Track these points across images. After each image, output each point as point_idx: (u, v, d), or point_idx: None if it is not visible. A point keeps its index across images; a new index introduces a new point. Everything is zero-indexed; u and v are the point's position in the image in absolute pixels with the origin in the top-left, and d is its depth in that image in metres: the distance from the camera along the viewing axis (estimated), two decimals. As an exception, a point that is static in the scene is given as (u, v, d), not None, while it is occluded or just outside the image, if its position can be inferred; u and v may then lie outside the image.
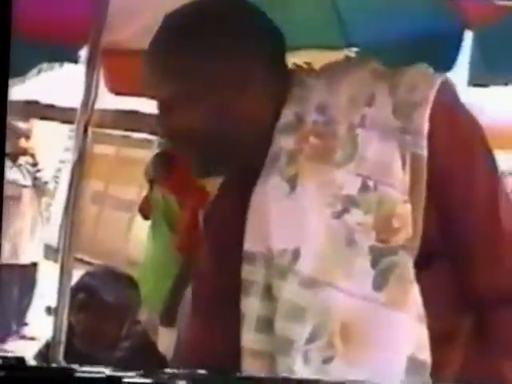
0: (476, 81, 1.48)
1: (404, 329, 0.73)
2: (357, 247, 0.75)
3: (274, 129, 0.83)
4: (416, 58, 1.62)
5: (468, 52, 1.49)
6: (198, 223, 2.35)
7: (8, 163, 4.25)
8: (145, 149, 6.63)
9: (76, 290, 1.64)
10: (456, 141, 0.79)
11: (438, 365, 0.75)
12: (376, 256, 0.74)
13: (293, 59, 2.03)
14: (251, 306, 0.81)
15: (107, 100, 2.13)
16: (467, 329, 0.81)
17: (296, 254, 0.76)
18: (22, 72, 1.85)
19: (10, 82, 1.94)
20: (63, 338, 1.45)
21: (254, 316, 0.80)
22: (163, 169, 3.05)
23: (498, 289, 0.80)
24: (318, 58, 1.95)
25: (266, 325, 0.79)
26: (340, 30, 1.71)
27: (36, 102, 7.12)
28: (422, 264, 0.76)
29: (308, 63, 2.09)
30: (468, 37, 1.50)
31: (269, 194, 0.80)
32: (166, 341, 2.35)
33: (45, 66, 1.91)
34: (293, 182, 0.79)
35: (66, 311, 1.48)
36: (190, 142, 0.84)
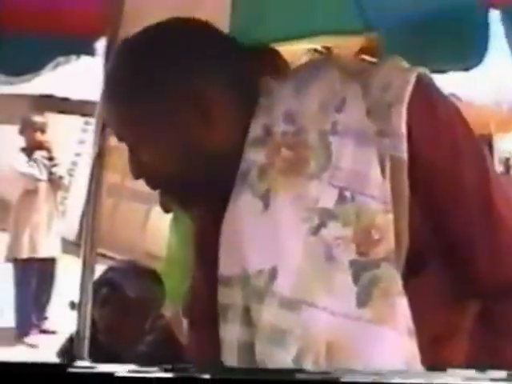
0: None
1: (392, 345, 0.69)
2: (336, 262, 0.71)
3: (243, 144, 0.79)
4: (445, 43, 1.60)
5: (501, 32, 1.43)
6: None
7: (24, 157, 4.27)
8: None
9: (99, 284, 1.63)
10: (437, 136, 0.75)
11: (445, 363, 0.71)
12: (357, 270, 0.70)
13: (311, 45, 2.02)
14: (230, 331, 0.78)
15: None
16: (470, 323, 0.78)
17: (273, 274, 0.72)
18: (40, 67, 1.84)
19: (27, 77, 1.93)
20: (87, 333, 1.46)
21: (235, 341, 0.77)
22: None
23: (501, 278, 0.76)
24: (338, 43, 1.93)
25: (247, 350, 0.75)
26: (359, 14, 1.67)
27: (51, 96, 7.17)
28: (411, 273, 0.72)
29: (327, 48, 2.07)
30: (495, 16, 1.45)
31: (241, 212, 0.76)
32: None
33: (62, 59, 1.89)
34: (266, 199, 0.75)
35: (89, 306, 1.49)
36: (161, 182, 0.82)
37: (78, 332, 1.47)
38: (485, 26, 1.47)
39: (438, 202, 0.74)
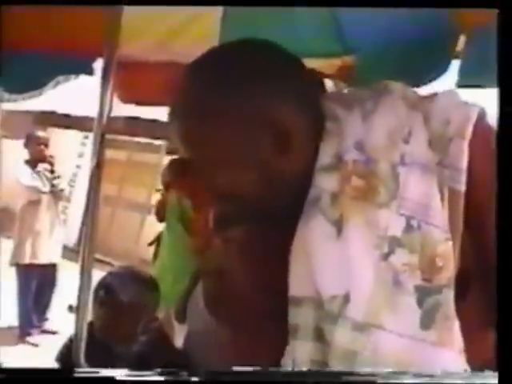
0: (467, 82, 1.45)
1: (450, 365, 0.70)
2: (403, 287, 0.71)
3: (313, 169, 0.76)
4: (411, 63, 1.62)
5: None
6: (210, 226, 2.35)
7: (28, 170, 4.26)
8: (154, 153, 6.64)
9: (98, 288, 1.66)
10: (494, 176, 0.73)
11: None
12: (422, 295, 0.71)
13: None
14: (301, 348, 0.76)
15: (118, 108, 2.14)
16: None
17: (346, 300, 0.72)
18: (41, 85, 1.84)
19: (29, 94, 1.92)
20: (84, 334, 1.45)
21: (306, 358, 0.75)
22: (178, 174, 3.03)
23: None
24: (318, 65, 1.94)
25: (319, 367, 0.74)
26: (338, 37, 1.69)
27: (53, 113, 7.14)
28: (459, 296, 0.72)
29: (311, 69, 2.08)
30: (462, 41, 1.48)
31: (313, 236, 0.74)
32: (180, 336, 2.36)
33: (61, 78, 1.89)
34: (339, 225, 0.73)
35: (86, 309, 1.48)
36: (234, 203, 0.80)
37: (76, 334, 1.47)
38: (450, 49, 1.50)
39: (487, 238, 0.74)
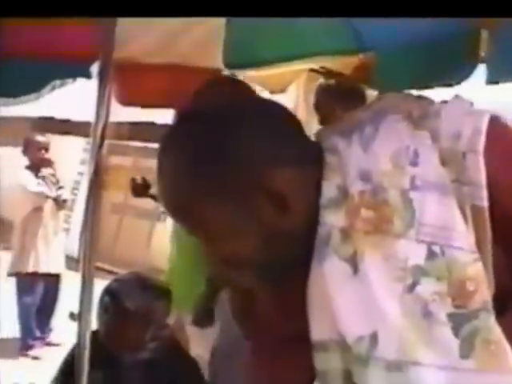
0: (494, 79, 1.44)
1: None
2: (434, 317, 0.69)
3: (318, 207, 0.74)
4: (433, 60, 1.62)
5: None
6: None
7: (31, 176, 4.27)
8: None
9: (103, 293, 1.66)
10: None
11: None
12: (456, 323, 0.68)
13: (306, 65, 2.04)
14: None
15: (121, 113, 2.16)
16: None
17: (374, 340, 0.69)
18: (37, 89, 1.86)
19: (24, 98, 1.94)
20: (87, 342, 1.46)
21: None
22: None
23: None
24: (333, 63, 1.95)
25: None
26: (353, 35, 1.68)
27: (51, 118, 7.18)
28: (497, 312, 0.70)
29: (324, 67, 2.09)
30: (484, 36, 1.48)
31: (328, 276, 0.72)
32: (202, 341, 2.35)
33: (58, 82, 1.91)
34: (353, 262, 0.71)
35: (89, 318, 1.49)
36: (243, 266, 0.79)
37: (78, 343, 1.48)
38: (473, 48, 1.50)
39: None
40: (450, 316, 0.69)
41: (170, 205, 0.78)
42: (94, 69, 1.68)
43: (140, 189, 3.07)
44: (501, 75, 1.34)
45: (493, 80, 1.38)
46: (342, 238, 0.72)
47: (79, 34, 1.64)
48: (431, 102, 0.79)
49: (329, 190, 0.74)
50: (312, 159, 0.76)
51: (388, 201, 0.71)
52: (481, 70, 1.51)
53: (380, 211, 0.71)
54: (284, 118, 0.79)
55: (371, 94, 1.88)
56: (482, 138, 0.71)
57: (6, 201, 4.35)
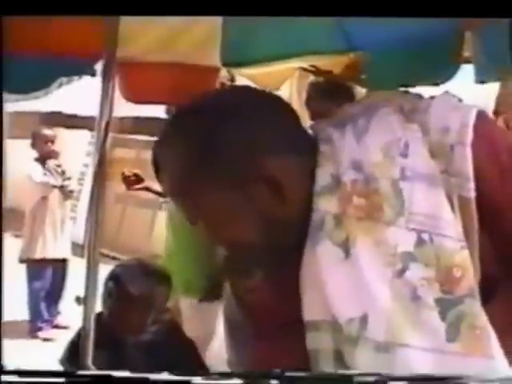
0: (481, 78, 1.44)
1: (484, 372, 0.68)
2: (422, 301, 0.69)
3: (312, 193, 0.75)
4: (420, 60, 1.63)
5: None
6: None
7: (39, 168, 4.33)
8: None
9: (107, 279, 1.67)
10: (502, 173, 0.72)
11: None
12: (443, 308, 0.69)
13: (299, 64, 2.05)
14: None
15: (126, 108, 2.17)
16: None
17: (364, 321, 0.70)
18: (44, 86, 1.87)
19: (33, 95, 1.95)
20: (92, 325, 1.48)
21: None
22: None
23: None
24: (323, 62, 1.95)
25: None
26: (342, 35, 1.69)
27: (59, 113, 7.19)
28: (483, 300, 0.70)
29: (314, 66, 2.10)
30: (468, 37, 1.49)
31: (321, 261, 0.73)
32: (199, 324, 2.37)
33: (64, 79, 1.93)
34: (345, 246, 0.72)
35: (93, 301, 1.51)
36: (242, 249, 0.81)
37: (83, 326, 1.50)
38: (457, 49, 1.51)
39: (506, 235, 0.73)
40: (438, 301, 0.69)
41: (173, 191, 0.79)
42: (99, 67, 1.69)
43: (131, 183, 3.07)
44: (487, 75, 1.35)
45: (480, 80, 1.39)
46: (335, 224, 0.73)
47: (85, 34, 1.64)
48: (420, 97, 0.80)
49: (322, 177, 0.75)
50: (307, 148, 0.77)
51: (379, 190, 0.72)
52: (466, 70, 1.52)
53: (371, 199, 0.72)
54: (281, 109, 0.80)
55: (360, 91, 1.89)
56: (470, 132, 0.71)
57: (18, 191, 4.38)
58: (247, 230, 0.77)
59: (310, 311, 0.75)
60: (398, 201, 0.71)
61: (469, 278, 0.70)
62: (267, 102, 0.79)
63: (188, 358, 1.73)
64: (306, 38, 1.71)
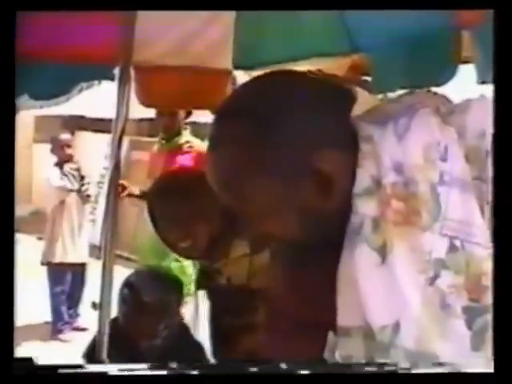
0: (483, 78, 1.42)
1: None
2: (450, 309, 0.68)
3: (351, 195, 0.74)
4: (420, 60, 1.62)
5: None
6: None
7: (57, 172, 4.40)
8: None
9: (123, 285, 1.71)
10: None
11: None
12: (470, 317, 0.68)
13: (307, 67, 2.05)
14: None
15: (144, 110, 2.20)
16: None
17: (396, 329, 0.69)
18: (64, 92, 1.91)
19: (55, 101, 1.99)
20: (107, 329, 1.50)
21: None
22: None
23: None
24: (328, 65, 1.95)
25: None
26: (346, 36, 1.70)
27: (81, 117, 7.29)
28: None
29: (320, 70, 2.10)
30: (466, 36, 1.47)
31: (357, 265, 0.72)
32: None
33: (84, 85, 1.96)
34: (382, 252, 0.71)
35: (109, 305, 1.53)
36: (282, 244, 0.81)
37: (99, 329, 1.52)
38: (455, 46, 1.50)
39: None
40: (465, 309, 0.68)
41: (222, 178, 0.77)
42: (117, 71, 1.71)
43: (119, 193, 3.14)
44: (488, 75, 1.33)
45: (482, 80, 1.37)
46: (372, 228, 0.72)
47: (103, 39, 1.67)
48: (450, 99, 0.79)
49: (363, 178, 0.73)
50: (351, 145, 0.75)
51: (417, 194, 0.70)
52: (468, 71, 1.49)
53: (409, 203, 0.70)
54: (334, 104, 0.78)
55: (363, 94, 1.88)
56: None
57: (42, 195, 4.47)
58: (287, 223, 0.76)
59: (343, 316, 0.74)
60: (435, 206, 0.70)
61: None
62: (323, 95, 0.78)
63: (196, 360, 1.75)
64: (312, 40, 1.72)
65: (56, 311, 4.41)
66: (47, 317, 4.39)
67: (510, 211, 0.69)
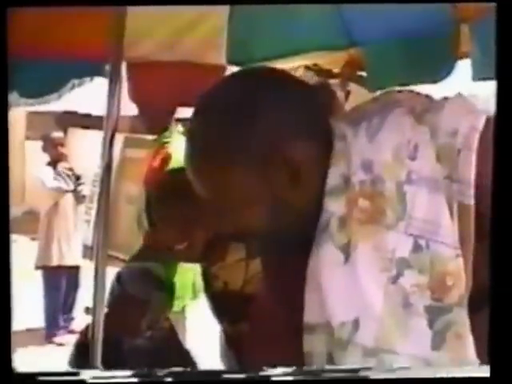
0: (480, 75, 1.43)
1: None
2: (412, 308, 0.70)
3: (323, 193, 0.75)
4: (418, 56, 1.62)
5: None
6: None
7: (50, 172, 4.37)
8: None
9: (113, 279, 1.71)
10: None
11: None
12: (432, 316, 0.70)
13: (303, 62, 2.06)
14: None
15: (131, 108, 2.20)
16: None
17: (356, 326, 0.71)
18: (56, 89, 1.91)
19: (47, 98, 1.98)
20: (101, 332, 1.50)
21: None
22: None
23: None
24: (325, 59, 1.96)
25: None
26: (343, 30, 1.70)
27: (73, 113, 7.28)
28: (474, 309, 0.71)
29: (316, 65, 2.10)
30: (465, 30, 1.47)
31: (323, 263, 0.74)
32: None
33: (76, 81, 1.96)
34: (346, 250, 0.72)
35: (102, 308, 1.53)
36: (253, 236, 0.83)
37: (92, 333, 1.52)
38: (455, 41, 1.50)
39: None
40: (427, 308, 0.70)
41: (197, 167, 0.79)
42: (108, 67, 1.71)
43: None
44: (485, 72, 1.34)
45: (479, 77, 1.37)
46: (338, 226, 0.74)
47: (94, 35, 1.67)
48: (432, 98, 0.80)
49: (334, 177, 0.75)
50: (327, 144, 0.77)
51: (383, 192, 0.72)
52: (465, 67, 1.49)
53: (376, 202, 0.72)
54: (311, 97, 0.80)
55: (358, 90, 1.89)
56: (477, 137, 0.70)
57: (34, 194, 4.45)
58: (259, 215, 0.77)
59: (309, 313, 0.76)
60: (400, 205, 0.71)
61: (460, 286, 0.70)
62: (299, 88, 0.79)
63: (182, 366, 1.75)
64: (308, 34, 1.72)
65: (51, 315, 4.41)
66: (41, 321, 4.39)
67: (510, 211, 0.69)
